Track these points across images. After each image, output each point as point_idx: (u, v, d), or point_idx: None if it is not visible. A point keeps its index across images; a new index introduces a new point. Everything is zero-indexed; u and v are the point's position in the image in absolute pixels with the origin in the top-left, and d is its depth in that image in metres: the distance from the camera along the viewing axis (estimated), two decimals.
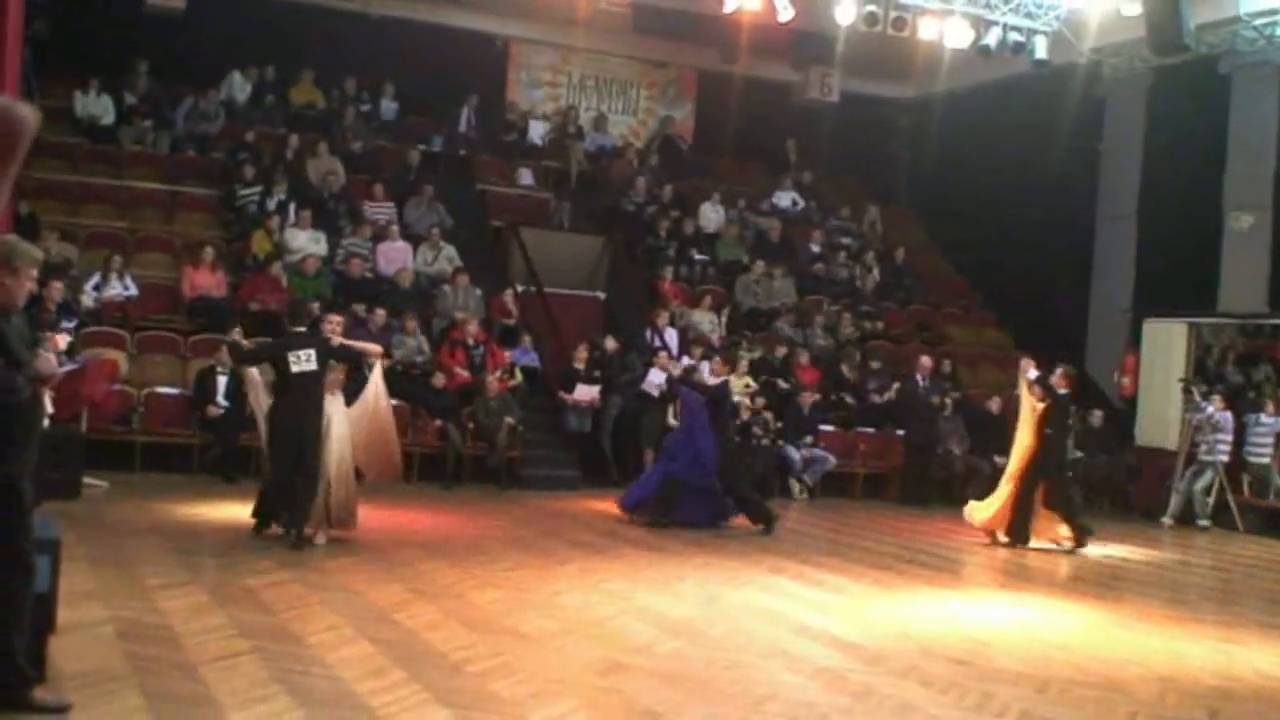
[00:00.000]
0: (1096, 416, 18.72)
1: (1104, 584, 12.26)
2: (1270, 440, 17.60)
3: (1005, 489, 14.03)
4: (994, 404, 18.45)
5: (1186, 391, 17.90)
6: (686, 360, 17.85)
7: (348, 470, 11.29)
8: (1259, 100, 18.55)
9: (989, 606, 10.53)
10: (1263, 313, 18.55)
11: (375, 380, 11.61)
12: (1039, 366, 14.38)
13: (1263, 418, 17.55)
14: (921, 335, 20.99)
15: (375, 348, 12.04)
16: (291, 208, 18.32)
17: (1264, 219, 18.41)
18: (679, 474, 13.68)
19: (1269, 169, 18.37)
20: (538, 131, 22.42)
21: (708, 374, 17.53)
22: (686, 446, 13.76)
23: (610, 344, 17.51)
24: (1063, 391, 14.17)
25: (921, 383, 18.34)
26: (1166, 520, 17.35)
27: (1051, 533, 14.12)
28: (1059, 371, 14.28)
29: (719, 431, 13.89)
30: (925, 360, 18.61)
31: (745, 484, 14.59)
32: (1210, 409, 17.06)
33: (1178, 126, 19.42)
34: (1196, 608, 11.56)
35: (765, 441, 17.17)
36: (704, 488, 13.80)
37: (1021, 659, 8.37)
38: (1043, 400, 14.01)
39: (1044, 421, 13.96)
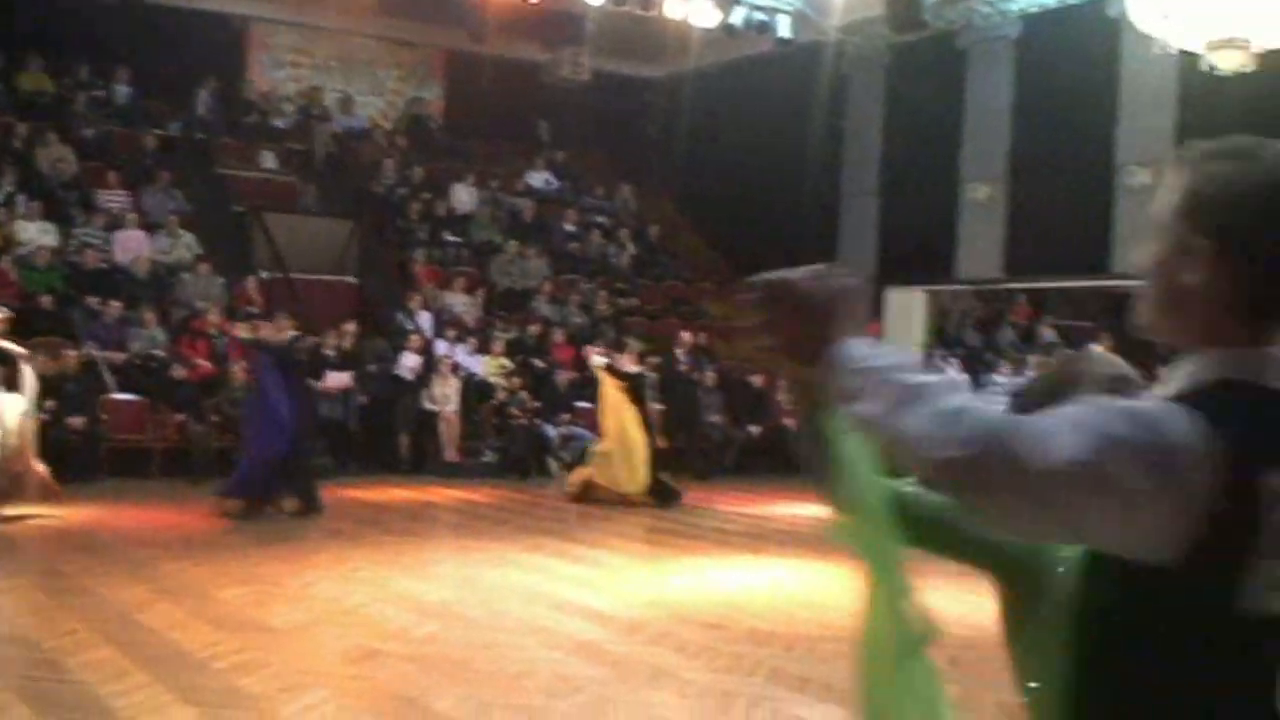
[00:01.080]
0: None
1: None
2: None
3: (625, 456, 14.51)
4: (756, 377, 18.87)
5: (925, 356, 18.50)
6: (442, 344, 17.71)
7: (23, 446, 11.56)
8: (994, 74, 19.18)
9: (741, 571, 10.70)
10: (998, 278, 19.28)
11: (25, 385, 11.63)
12: (607, 353, 15.54)
13: (996, 378, 18.28)
14: (677, 310, 21.22)
15: (19, 350, 11.84)
16: (21, 199, 17.49)
17: (999, 190, 19.10)
18: (266, 452, 12.59)
19: (1004, 141, 19.05)
20: (281, 114, 21.87)
21: (461, 356, 17.39)
22: (263, 415, 12.69)
23: (353, 328, 17.08)
24: (634, 369, 14.83)
25: (681, 358, 18.56)
26: None
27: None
28: (628, 353, 15.08)
29: (297, 397, 12.93)
30: (685, 335, 18.84)
31: (310, 462, 13.56)
32: (949, 373, 17.69)
33: (917, 102, 19.99)
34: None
35: (522, 421, 17.14)
36: (282, 457, 12.65)
37: (771, 619, 8.52)
38: (619, 382, 14.73)
39: (632, 399, 14.62)
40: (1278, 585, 1.59)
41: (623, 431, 14.44)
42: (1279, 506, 1.56)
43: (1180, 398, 1.64)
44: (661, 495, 14.53)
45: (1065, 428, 1.53)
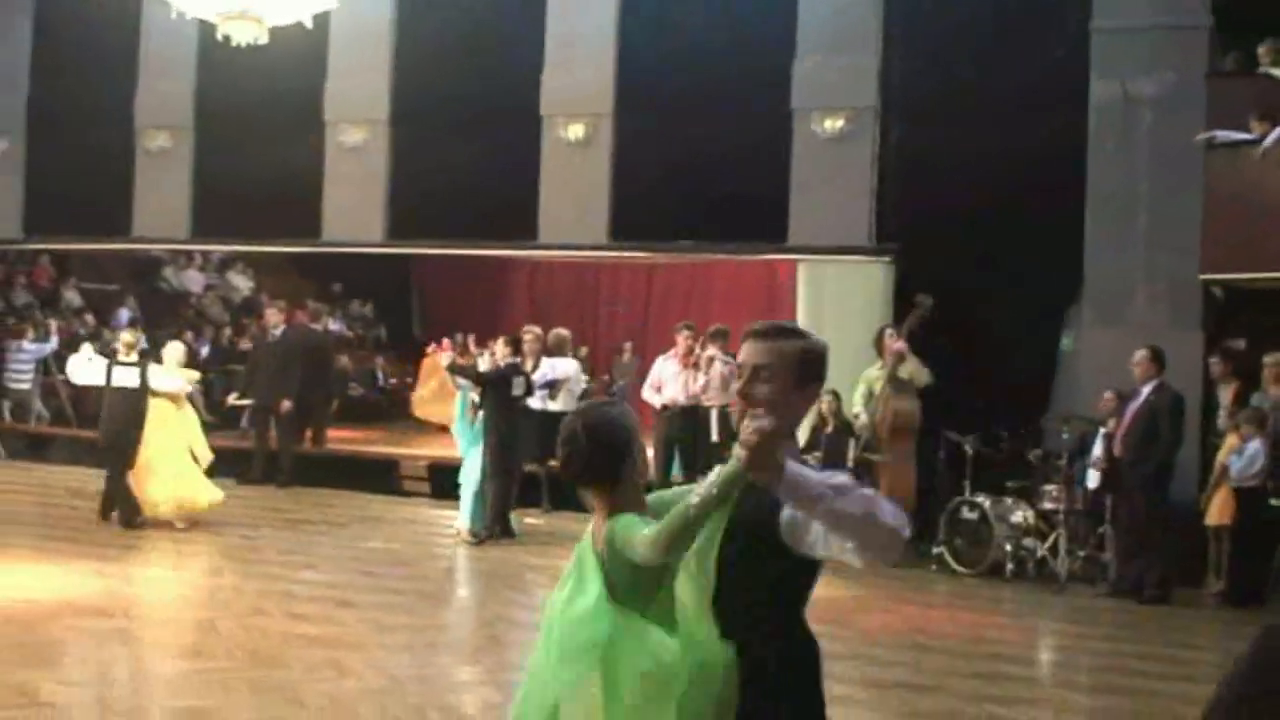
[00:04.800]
0: None
1: None
2: (30, 366, 17.62)
3: None
4: None
5: None
6: None
7: None
8: (11, 24, 18.17)
9: None
10: (17, 238, 18.41)
11: None
12: None
13: (25, 344, 17.51)
14: None
15: None
16: None
17: (17, 144, 18.17)
18: None
19: (22, 94, 18.17)
20: None
21: None
22: None
23: None
24: None
25: None
26: None
27: None
28: None
29: None
30: None
31: None
32: None
33: None
34: None
35: None
36: None
37: None
38: None
39: None
40: None
41: None
42: None
43: None
44: None
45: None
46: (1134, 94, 13.03)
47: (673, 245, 15.75)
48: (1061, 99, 13.30)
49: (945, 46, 13.78)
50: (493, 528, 12.13)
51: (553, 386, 13.25)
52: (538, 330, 13.15)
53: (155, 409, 12.13)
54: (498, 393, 12.21)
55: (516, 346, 12.64)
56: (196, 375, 13.83)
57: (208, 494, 12.23)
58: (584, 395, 13.83)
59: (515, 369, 12.42)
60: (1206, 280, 12.60)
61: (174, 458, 12.16)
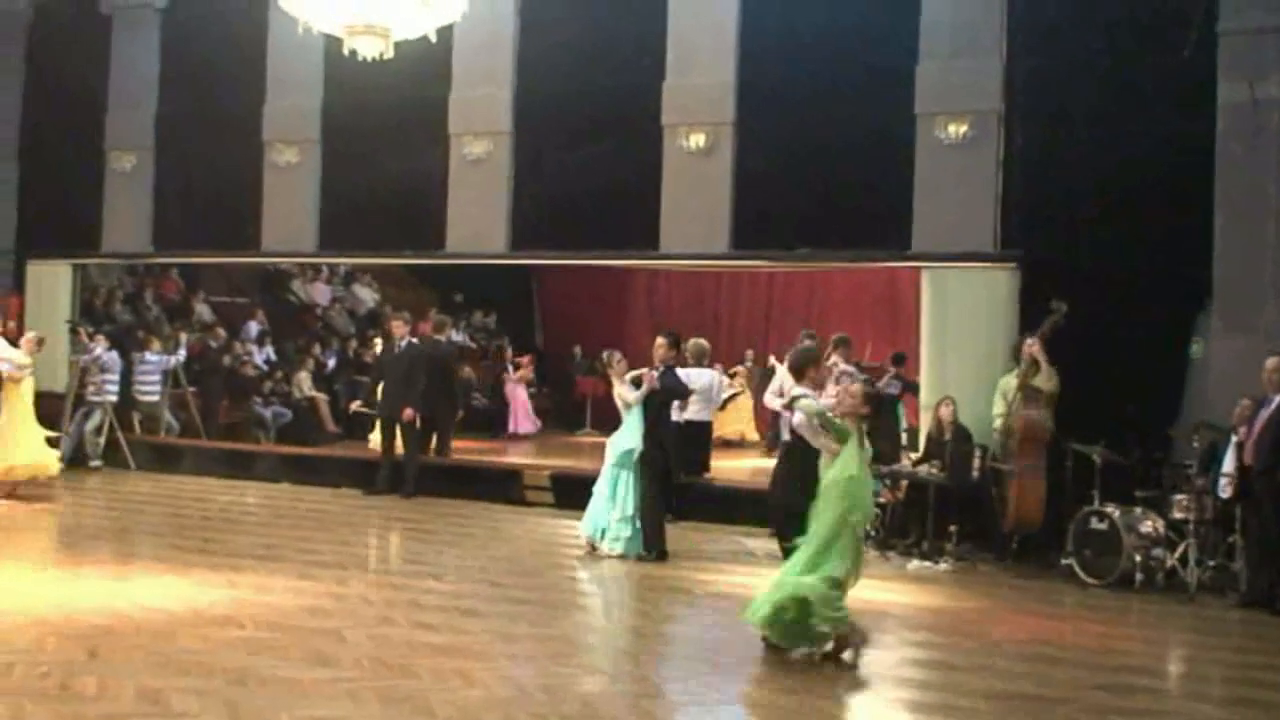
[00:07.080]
0: None
1: None
2: (157, 377, 18.03)
3: None
4: None
5: (74, 333, 17.71)
6: None
7: None
8: (140, 41, 18.64)
9: None
10: (147, 252, 18.81)
11: None
12: None
13: (148, 356, 17.91)
14: None
15: None
16: None
17: (146, 160, 18.59)
18: None
19: (151, 111, 18.57)
20: None
21: None
22: None
23: None
24: None
25: None
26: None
27: None
28: None
29: None
30: None
31: None
32: (98, 350, 17.05)
33: (60, 65, 19.03)
34: (86, 549, 11.54)
35: None
36: None
37: None
38: None
39: None
40: None
41: None
42: None
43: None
44: None
45: None
46: (1262, 96, 12.69)
47: (794, 255, 15.64)
48: (1188, 102, 12.99)
49: (1069, 49, 13.54)
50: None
51: (683, 397, 13.06)
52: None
53: (6, 388, 14.21)
54: (665, 403, 12.15)
55: (677, 343, 12.53)
56: (28, 362, 15.03)
57: (54, 461, 14.57)
58: (726, 403, 14.17)
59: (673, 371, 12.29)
60: None
61: (27, 428, 14.26)
